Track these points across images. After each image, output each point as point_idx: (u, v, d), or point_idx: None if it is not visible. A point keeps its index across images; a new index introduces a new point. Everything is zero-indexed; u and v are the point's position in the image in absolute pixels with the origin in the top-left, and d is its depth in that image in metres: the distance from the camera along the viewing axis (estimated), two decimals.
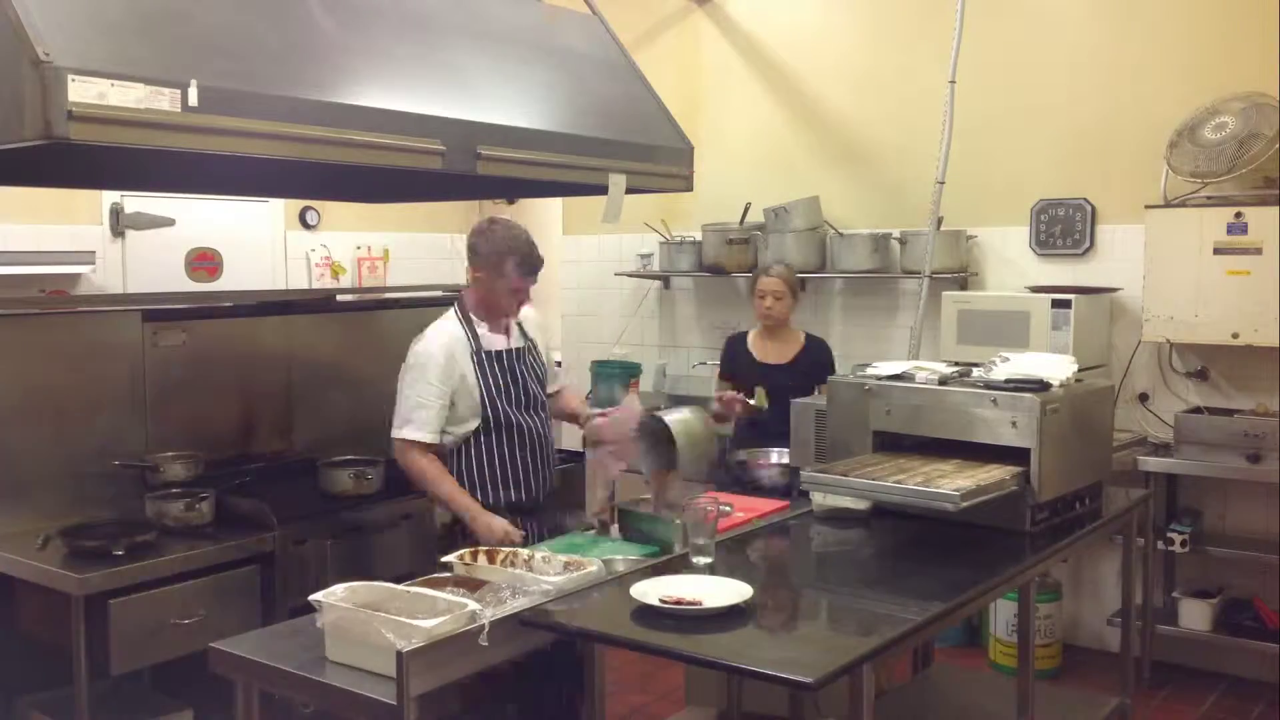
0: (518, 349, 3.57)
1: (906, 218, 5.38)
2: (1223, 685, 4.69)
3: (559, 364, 3.90)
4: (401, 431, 3.41)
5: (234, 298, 4.40)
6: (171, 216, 6.25)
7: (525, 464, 3.53)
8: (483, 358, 3.46)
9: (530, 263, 3.45)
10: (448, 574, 2.81)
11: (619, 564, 2.88)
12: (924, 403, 3.45)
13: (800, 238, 5.51)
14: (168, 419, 3.93)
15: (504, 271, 3.43)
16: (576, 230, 6.67)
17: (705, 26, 6.17)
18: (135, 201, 6.19)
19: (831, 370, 4.39)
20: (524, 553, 2.86)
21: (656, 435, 3.28)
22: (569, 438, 6.55)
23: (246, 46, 2.95)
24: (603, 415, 3.52)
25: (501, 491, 3.49)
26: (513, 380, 3.51)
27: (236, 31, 2.96)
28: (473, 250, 3.48)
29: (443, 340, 3.44)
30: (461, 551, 2.86)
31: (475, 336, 3.48)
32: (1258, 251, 4.41)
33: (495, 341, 3.52)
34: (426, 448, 3.42)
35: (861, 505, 3.38)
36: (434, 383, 3.38)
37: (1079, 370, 3.66)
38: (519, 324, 3.62)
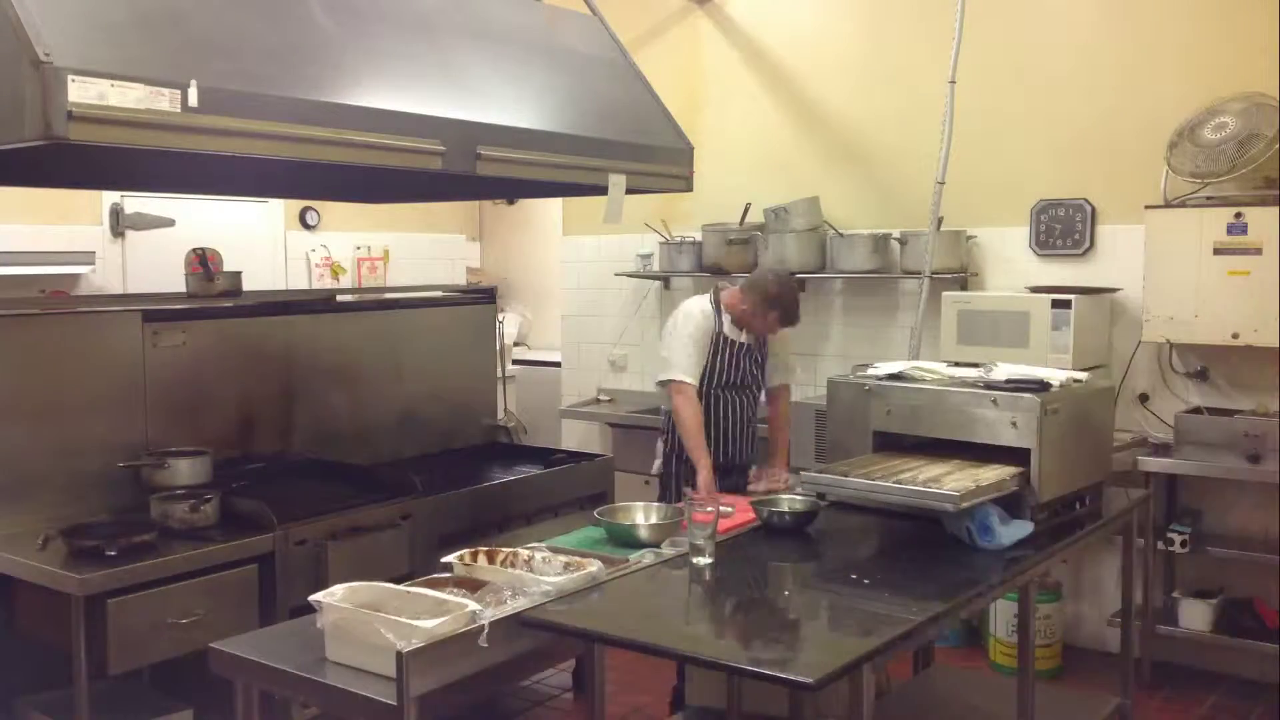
0: (745, 344, 4.18)
1: (906, 218, 5.38)
2: (1223, 685, 4.68)
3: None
4: (673, 374, 4.03)
5: (234, 298, 4.40)
6: (171, 216, 6.25)
7: (726, 433, 4.15)
8: (720, 341, 4.12)
9: (789, 319, 4.08)
10: (448, 574, 2.81)
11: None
12: (924, 403, 3.45)
13: (800, 238, 5.50)
14: (168, 419, 3.92)
15: (765, 318, 4.03)
16: (576, 230, 6.67)
17: (705, 26, 6.17)
18: (135, 201, 6.19)
19: None
20: (524, 553, 2.87)
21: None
22: (568, 438, 6.57)
23: (246, 46, 2.95)
24: (758, 480, 4.03)
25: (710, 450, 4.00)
26: (734, 366, 4.15)
27: (236, 31, 2.96)
28: (752, 287, 4.05)
29: (706, 311, 4.13)
30: (461, 552, 2.87)
31: (720, 323, 4.13)
32: (1258, 251, 4.41)
33: (732, 333, 4.15)
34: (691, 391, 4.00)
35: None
36: (699, 340, 4.06)
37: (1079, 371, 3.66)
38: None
